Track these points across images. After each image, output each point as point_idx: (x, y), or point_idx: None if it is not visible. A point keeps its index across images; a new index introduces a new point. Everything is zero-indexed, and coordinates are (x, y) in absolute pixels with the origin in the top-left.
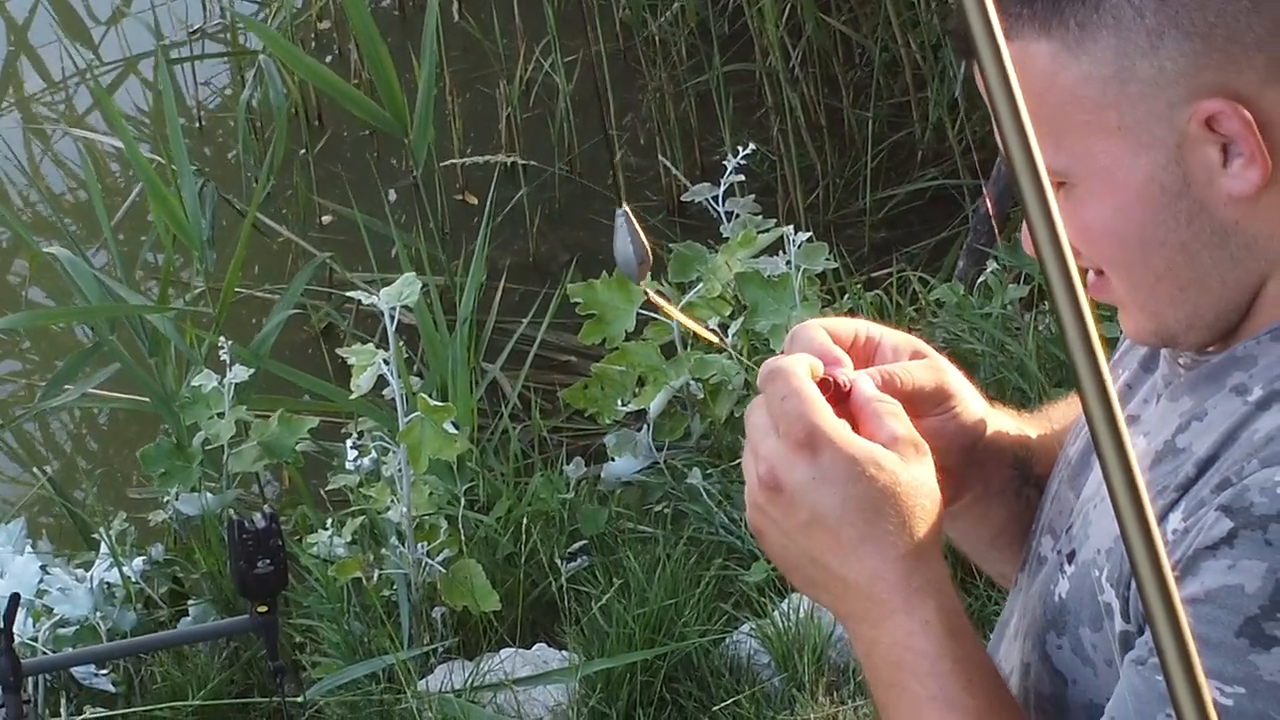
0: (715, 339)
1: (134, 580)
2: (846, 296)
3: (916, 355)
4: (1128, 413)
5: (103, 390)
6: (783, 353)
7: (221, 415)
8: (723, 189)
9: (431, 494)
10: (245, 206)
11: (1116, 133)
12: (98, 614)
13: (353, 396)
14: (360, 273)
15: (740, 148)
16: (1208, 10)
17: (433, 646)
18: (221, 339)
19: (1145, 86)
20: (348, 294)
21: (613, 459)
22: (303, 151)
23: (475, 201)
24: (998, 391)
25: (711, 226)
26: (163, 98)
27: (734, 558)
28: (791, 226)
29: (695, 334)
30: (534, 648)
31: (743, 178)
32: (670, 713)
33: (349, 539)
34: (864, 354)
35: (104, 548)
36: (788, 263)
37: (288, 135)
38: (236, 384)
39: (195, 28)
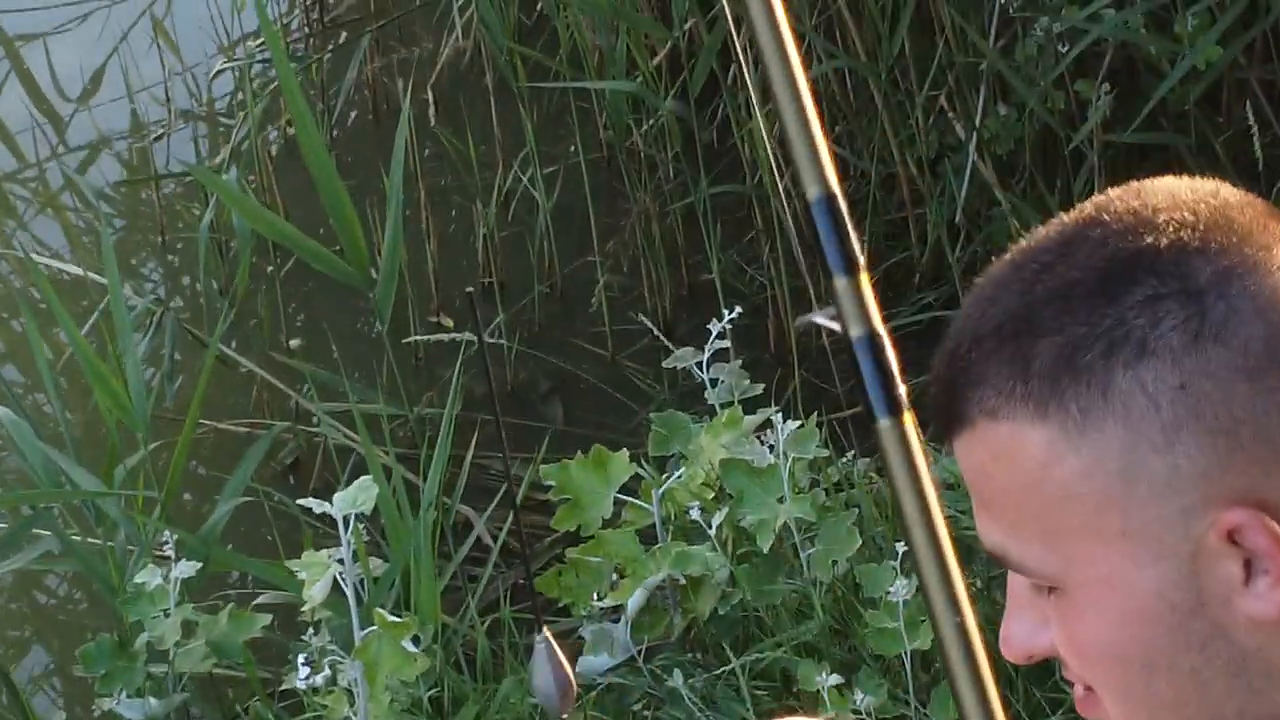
0: None
1: None
2: (836, 467)
3: None
4: None
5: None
6: None
7: (167, 613)
8: (707, 355)
9: (393, 701)
10: (207, 335)
11: (1120, 538)
12: None
13: (305, 608)
14: (332, 403)
15: (728, 310)
16: (1234, 404)
17: None
18: (167, 532)
19: (1156, 488)
20: (300, 502)
21: (588, 656)
22: (270, 268)
23: (451, 324)
24: (1001, 580)
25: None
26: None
27: None
28: (780, 412)
29: None
30: None
31: (728, 344)
32: None
33: None
34: None
35: None
36: (771, 447)
37: (249, 266)
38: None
39: (159, 134)
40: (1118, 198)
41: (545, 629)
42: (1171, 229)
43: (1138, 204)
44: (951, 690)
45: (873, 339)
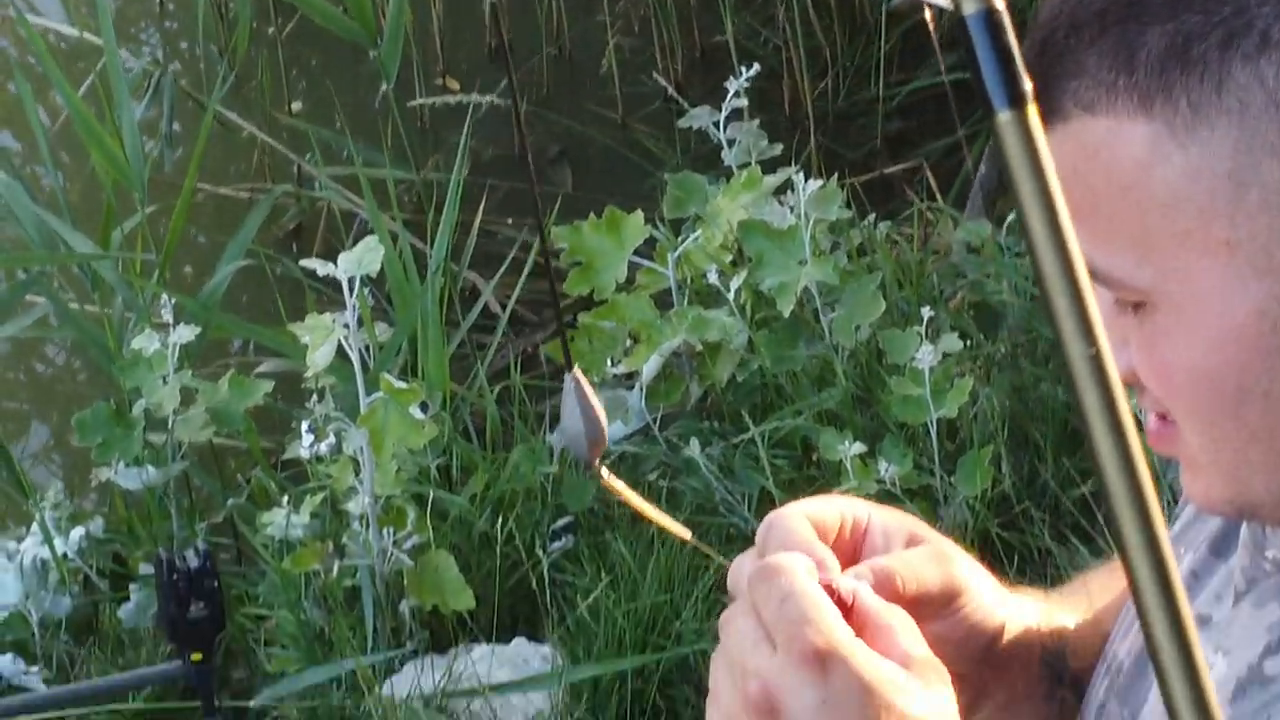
0: (686, 534)
1: (70, 558)
2: (856, 230)
3: (913, 539)
4: (1196, 611)
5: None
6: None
7: (165, 380)
8: (724, 115)
9: (399, 470)
10: (207, 98)
11: (1223, 249)
12: (28, 601)
13: (309, 373)
14: (335, 167)
15: (744, 68)
16: None
17: (398, 652)
18: (165, 296)
19: (1269, 195)
20: (303, 263)
21: None
22: (271, 30)
23: (457, 87)
24: (1029, 347)
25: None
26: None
27: (737, 543)
28: (800, 172)
29: (661, 526)
30: (512, 643)
31: (745, 102)
32: None
33: (308, 518)
34: (850, 544)
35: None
36: (791, 209)
37: (250, 26)
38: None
39: None
40: None
41: (576, 367)
42: None
43: None
44: (1090, 447)
45: (990, 15)
